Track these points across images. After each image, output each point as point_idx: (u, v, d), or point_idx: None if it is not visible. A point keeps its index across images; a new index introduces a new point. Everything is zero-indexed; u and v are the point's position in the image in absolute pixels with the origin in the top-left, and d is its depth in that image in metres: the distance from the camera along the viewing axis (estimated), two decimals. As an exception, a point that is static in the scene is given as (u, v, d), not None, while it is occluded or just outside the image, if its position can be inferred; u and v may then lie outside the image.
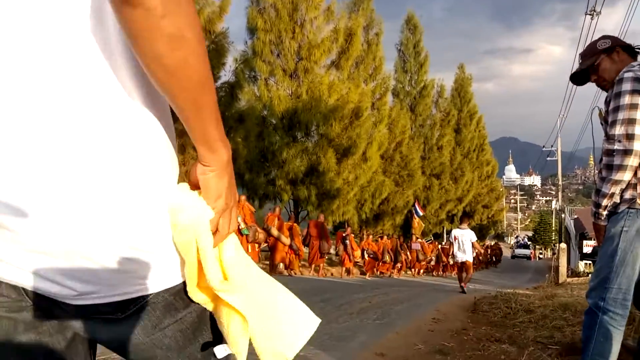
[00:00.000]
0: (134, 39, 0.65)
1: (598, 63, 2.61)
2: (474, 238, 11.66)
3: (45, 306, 0.79)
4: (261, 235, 12.06)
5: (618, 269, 2.34)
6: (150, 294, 0.80)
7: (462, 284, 11.36)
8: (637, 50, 2.60)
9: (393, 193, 23.03)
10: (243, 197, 12.43)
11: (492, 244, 41.67)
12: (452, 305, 7.84)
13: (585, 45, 2.85)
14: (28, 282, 0.75)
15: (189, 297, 0.84)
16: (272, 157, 16.64)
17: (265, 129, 16.53)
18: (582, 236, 33.27)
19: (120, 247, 0.74)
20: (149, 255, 0.77)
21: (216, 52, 12.18)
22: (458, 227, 12.15)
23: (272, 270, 12.60)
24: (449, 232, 38.08)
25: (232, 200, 0.85)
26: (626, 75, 2.34)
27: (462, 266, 11.76)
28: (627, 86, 2.31)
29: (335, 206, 17.56)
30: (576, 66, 2.81)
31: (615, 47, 2.59)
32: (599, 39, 2.71)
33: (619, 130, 2.29)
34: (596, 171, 2.58)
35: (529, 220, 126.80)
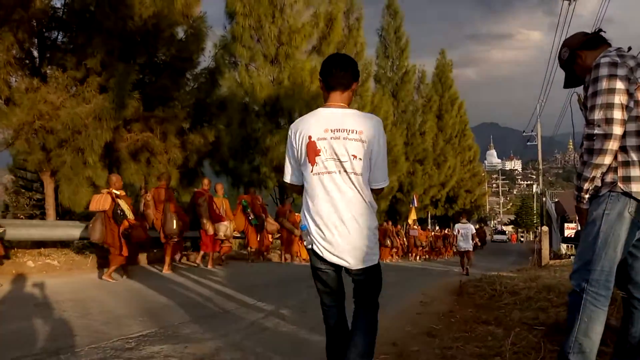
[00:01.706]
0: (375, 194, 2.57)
1: (574, 70, 2.67)
2: (473, 231, 14.67)
3: (338, 269, 2.54)
4: (273, 226, 12.15)
5: (600, 251, 2.37)
6: (369, 265, 2.48)
7: (466, 269, 13.81)
8: (600, 35, 2.63)
9: (377, 179, 23.07)
10: (252, 189, 12.43)
11: (477, 227, 42.16)
12: (439, 288, 7.94)
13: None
14: (339, 262, 2.46)
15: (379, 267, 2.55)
16: (255, 144, 16.46)
17: (247, 115, 16.34)
18: (563, 219, 33.78)
19: (369, 249, 2.46)
20: (374, 251, 2.51)
21: (194, 37, 11.79)
22: (460, 222, 14.78)
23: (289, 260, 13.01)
24: (433, 217, 38.61)
25: None
26: (602, 60, 2.36)
27: (464, 254, 14.32)
28: (604, 71, 2.33)
29: (321, 192, 17.41)
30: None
31: (576, 52, 2.64)
32: (560, 48, 2.76)
33: (598, 115, 2.31)
34: (577, 155, 2.61)
35: (510, 204, 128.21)
